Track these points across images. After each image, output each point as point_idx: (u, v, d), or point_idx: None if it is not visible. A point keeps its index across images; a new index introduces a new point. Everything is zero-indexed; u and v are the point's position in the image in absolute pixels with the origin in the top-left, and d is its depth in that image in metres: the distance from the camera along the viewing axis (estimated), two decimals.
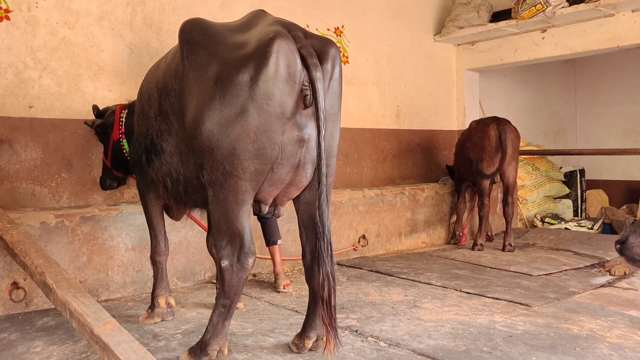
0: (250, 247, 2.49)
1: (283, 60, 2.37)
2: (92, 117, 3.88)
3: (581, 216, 8.24)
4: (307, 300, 2.81)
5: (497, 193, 6.56)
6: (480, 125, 5.68)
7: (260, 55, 2.36)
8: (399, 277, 4.42)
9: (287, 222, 4.67)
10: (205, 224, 3.67)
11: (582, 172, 8.61)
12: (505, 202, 5.56)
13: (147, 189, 3.22)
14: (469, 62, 7.18)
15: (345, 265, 4.89)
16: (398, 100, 6.61)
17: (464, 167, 5.89)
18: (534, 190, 7.53)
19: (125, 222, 3.98)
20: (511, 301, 3.70)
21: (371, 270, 4.68)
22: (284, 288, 4.01)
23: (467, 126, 6.09)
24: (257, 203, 2.66)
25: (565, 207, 8.09)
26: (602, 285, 4.20)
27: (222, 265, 2.49)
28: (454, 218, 6.23)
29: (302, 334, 2.78)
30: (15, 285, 3.51)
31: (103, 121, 3.73)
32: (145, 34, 4.64)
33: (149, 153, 2.99)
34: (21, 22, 4.08)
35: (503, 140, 5.41)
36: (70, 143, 4.30)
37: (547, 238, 6.10)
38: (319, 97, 2.40)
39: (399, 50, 6.62)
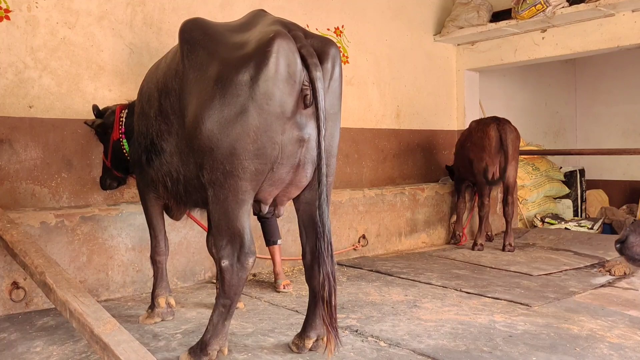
0: (250, 247, 2.49)
1: (283, 60, 2.37)
2: (92, 117, 3.88)
3: (581, 216, 8.24)
4: (307, 300, 2.81)
5: (497, 193, 6.56)
6: (481, 125, 5.68)
7: (260, 55, 2.36)
8: (399, 277, 4.42)
9: (287, 222, 4.67)
10: (205, 224, 3.67)
11: (582, 172, 8.62)
12: (505, 202, 5.57)
13: (147, 189, 3.22)
14: (469, 62, 7.18)
15: (345, 265, 4.89)
16: (398, 100, 6.61)
17: (464, 167, 5.89)
18: (534, 190, 7.53)
19: (125, 222, 3.98)
20: (511, 301, 3.70)
21: (371, 270, 4.68)
22: (284, 288, 4.01)
23: (467, 126, 6.09)
24: (257, 203, 2.66)
25: (565, 207, 8.09)
26: (602, 285, 4.20)
27: (222, 265, 2.49)
28: (454, 218, 6.23)
29: (302, 334, 2.78)
30: (15, 285, 3.51)
31: (103, 121, 3.73)
32: (145, 34, 4.64)
33: (149, 153, 2.99)
34: (21, 22, 4.08)
35: (503, 141, 5.42)
36: (70, 143, 4.30)
37: (547, 238, 6.10)
38: (319, 96, 2.40)
39: (399, 50, 6.62)
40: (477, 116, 7.13)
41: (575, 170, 8.50)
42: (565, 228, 7.04)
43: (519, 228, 7.01)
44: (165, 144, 2.86)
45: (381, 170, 6.43)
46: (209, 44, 2.56)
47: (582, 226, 7.15)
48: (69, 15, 4.29)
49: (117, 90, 4.50)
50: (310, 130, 2.49)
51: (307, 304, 2.80)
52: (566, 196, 8.15)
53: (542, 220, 7.38)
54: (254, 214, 3.17)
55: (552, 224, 7.25)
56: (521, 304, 3.64)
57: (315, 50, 2.48)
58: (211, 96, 2.45)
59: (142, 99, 3.11)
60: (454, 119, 7.31)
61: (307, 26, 5.46)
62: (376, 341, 2.95)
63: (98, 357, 2.49)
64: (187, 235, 4.25)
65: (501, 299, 3.75)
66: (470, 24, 6.67)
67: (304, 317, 2.82)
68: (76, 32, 4.32)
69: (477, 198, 5.90)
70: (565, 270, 4.72)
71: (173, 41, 3.55)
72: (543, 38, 6.42)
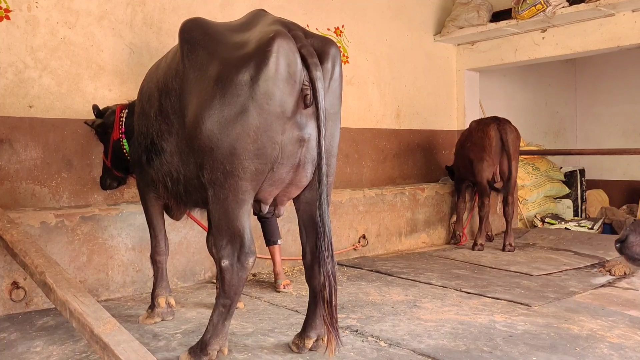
0: (250, 246, 2.49)
1: (283, 59, 2.37)
2: (92, 116, 3.87)
3: (581, 216, 8.24)
4: (307, 300, 2.81)
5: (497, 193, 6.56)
6: (481, 125, 5.68)
7: (260, 55, 2.36)
8: (399, 277, 4.42)
9: (287, 222, 4.67)
10: (205, 223, 3.67)
11: (582, 172, 8.61)
12: (505, 202, 5.57)
13: (147, 189, 3.22)
14: (469, 62, 7.18)
15: (346, 265, 4.89)
16: (398, 100, 6.61)
17: (464, 167, 5.89)
18: (534, 190, 7.53)
19: (125, 221, 3.98)
20: (511, 301, 3.70)
21: (371, 270, 4.68)
22: (284, 288, 4.00)
23: (467, 126, 6.09)
24: (257, 203, 2.66)
25: (565, 207, 8.09)
26: (603, 285, 4.20)
27: (222, 264, 2.49)
28: (454, 218, 6.23)
29: (303, 334, 2.78)
30: (15, 285, 3.51)
31: (103, 121, 3.73)
32: (146, 34, 4.64)
33: (149, 153, 2.99)
34: (21, 22, 4.08)
35: (504, 141, 5.42)
36: (71, 143, 4.30)
37: (547, 238, 6.10)
38: (319, 96, 2.40)
39: (399, 50, 6.62)
40: (477, 116, 7.13)
41: (576, 170, 8.50)
42: (566, 228, 7.04)
43: (519, 228, 7.01)
44: (165, 143, 2.86)
45: (381, 170, 6.42)
46: (209, 43, 2.56)
47: (582, 226, 7.15)
48: (69, 15, 4.29)
49: (117, 90, 4.50)
50: (311, 130, 2.49)
51: (307, 304, 2.80)
52: (566, 196, 8.15)
53: (542, 220, 7.38)
54: (254, 214, 3.16)
55: (552, 224, 7.25)
56: (521, 304, 3.64)
57: (316, 50, 2.48)
58: (211, 96, 2.44)
59: (142, 99, 3.11)
60: (454, 119, 7.31)
61: (307, 26, 5.46)
62: (376, 341, 2.95)
63: (98, 357, 2.49)
64: (187, 235, 4.25)
65: (501, 299, 3.75)
66: (470, 23, 6.67)
67: (304, 317, 2.82)
68: (76, 32, 4.32)
69: (477, 198, 5.90)
70: (566, 270, 4.72)
71: (173, 41, 3.55)
72: (543, 38, 6.42)
